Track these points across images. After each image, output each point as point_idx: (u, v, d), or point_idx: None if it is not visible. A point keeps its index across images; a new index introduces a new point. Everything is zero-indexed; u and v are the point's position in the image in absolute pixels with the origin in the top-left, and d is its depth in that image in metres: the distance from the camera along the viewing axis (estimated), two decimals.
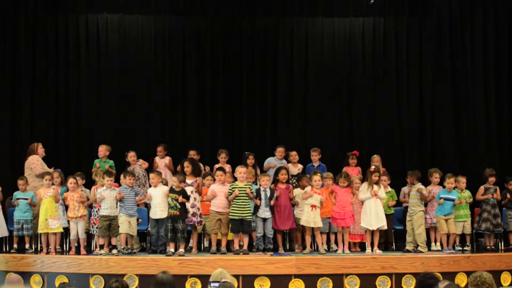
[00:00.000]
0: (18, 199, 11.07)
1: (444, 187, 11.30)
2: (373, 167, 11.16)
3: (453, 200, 11.11)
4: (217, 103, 13.95)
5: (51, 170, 11.44)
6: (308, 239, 10.88)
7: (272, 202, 10.73)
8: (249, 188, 10.60)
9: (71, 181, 10.72)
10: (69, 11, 13.69)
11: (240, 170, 10.75)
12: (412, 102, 14.06)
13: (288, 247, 11.45)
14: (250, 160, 11.88)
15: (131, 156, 12.04)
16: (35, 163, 11.56)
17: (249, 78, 14.03)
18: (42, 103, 13.47)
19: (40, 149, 11.76)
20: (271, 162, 12.21)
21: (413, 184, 11.37)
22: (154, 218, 10.58)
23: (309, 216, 10.71)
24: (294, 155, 12.26)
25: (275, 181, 11.17)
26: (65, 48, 13.65)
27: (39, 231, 10.67)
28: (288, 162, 12.22)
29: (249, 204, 10.59)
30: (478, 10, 14.02)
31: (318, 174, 10.97)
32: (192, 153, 12.10)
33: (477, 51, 13.95)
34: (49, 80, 13.54)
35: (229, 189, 10.61)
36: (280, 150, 12.26)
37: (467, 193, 11.41)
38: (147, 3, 13.88)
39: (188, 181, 10.72)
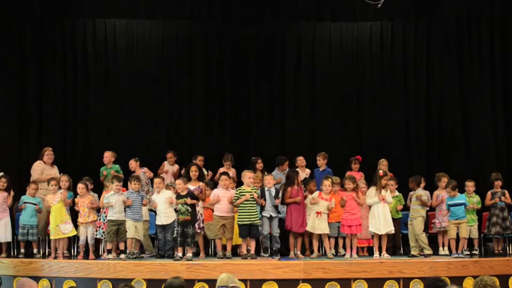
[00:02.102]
0: (25, 203, 11.01)
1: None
2: (381, 171, 11.12)
3: (461, 204, 11.03)
4: (224, 107, 13.98)
5: (59, 175, 11.39)
6: (315, 244, 10.85)
7: (277, 202, 10.66)
8: (256, 192, 10.54)
9: (80, 186, 10.70)
10: (77, 16, 13.74)
11: (249, 175, 10.68)
12: (420, 105, 14.06)
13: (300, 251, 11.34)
14: (259, 165, 11.85)
15: (132, 163, 11.86)
16: (34, 168, 11.53)
17: (256, 82, 14.04)
18: (49, 107, 13.50)
19: (47, 155, 11.65)
20: (276, 177, 11.93)
21: (414, 189, 11.32)
22: (160, 224, 10.59)
23: (314, 222, 10.70)
24: (301, 160, 12.20)
25: (291, 182, 10.91)
26: (73, 51, 13.71)
27: (51, 237, 10.61)
28: (296, 167, 12.15)
29: (256, 209, 10.54)
30: (485, 12, 13.99)
31: (330, 179, 10.93)
32: (200, 159, 12.09)
33: (484, 53, 13.93)
34: (56, 83, 13.58)
35: (236, 194, 10.56)
36: (286, 163, 12.12)
37: (476, 198, 11.35)
38: (154, 8, 13.90)
39: (192, 186, 10.67)
